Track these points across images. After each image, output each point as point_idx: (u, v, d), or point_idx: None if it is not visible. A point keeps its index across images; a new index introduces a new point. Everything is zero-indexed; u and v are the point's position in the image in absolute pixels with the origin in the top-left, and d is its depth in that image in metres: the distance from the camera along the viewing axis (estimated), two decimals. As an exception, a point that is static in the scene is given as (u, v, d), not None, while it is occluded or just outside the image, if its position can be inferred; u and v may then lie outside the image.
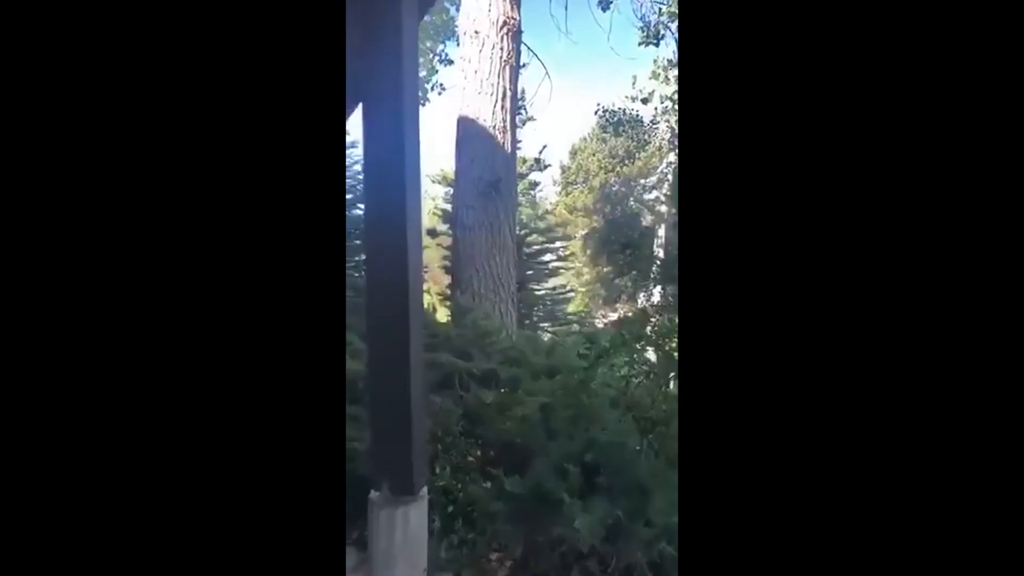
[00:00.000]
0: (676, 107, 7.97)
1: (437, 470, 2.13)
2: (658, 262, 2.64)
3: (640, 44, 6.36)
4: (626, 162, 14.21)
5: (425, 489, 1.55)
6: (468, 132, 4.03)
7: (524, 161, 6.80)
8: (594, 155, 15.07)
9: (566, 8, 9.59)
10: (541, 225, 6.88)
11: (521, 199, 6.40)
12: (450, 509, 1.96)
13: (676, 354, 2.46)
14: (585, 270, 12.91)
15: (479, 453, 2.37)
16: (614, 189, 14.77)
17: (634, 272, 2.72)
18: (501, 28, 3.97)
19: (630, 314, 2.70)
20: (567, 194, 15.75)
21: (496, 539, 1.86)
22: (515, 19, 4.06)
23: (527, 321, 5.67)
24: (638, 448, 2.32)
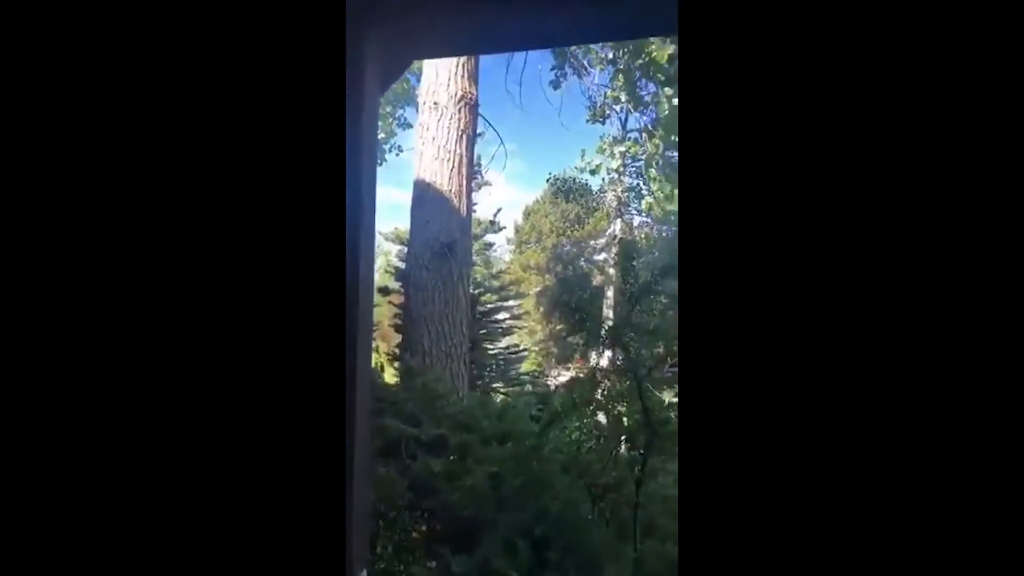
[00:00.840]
0: (621, 178, 8.54)
1: (379, 549, 1.98)
2: (607, 325, 2.73)
3: (588, 121, 6.89)
4: (576, 226, 14.90)
5: (365, 573, 1.43)
6: (424, 194, 4.13)
7: (479, 223, 7.00)
8: (547, 217, 15.72)
9: (520, 85, 10.46)
10: (495, 284, 6.98)
11: (476, 259, 6.52)
12: (391, 595, 1.81)
13: (625, 419, 2.49)
14: (538, 328, 13.01)
15: (424, 528, 2.24)
16: (566, 249, 15.32)
17: (584, 332, 2.80)
18: (459, 101, 4.21)
19: (581, 375, 2.74)
20: (521, 252, 16.16)
21: (440, 627, 1.72)
22: (472, 94, 4.33)
23: (479, 382, 5.58)
24: (589, 517, 2.27)
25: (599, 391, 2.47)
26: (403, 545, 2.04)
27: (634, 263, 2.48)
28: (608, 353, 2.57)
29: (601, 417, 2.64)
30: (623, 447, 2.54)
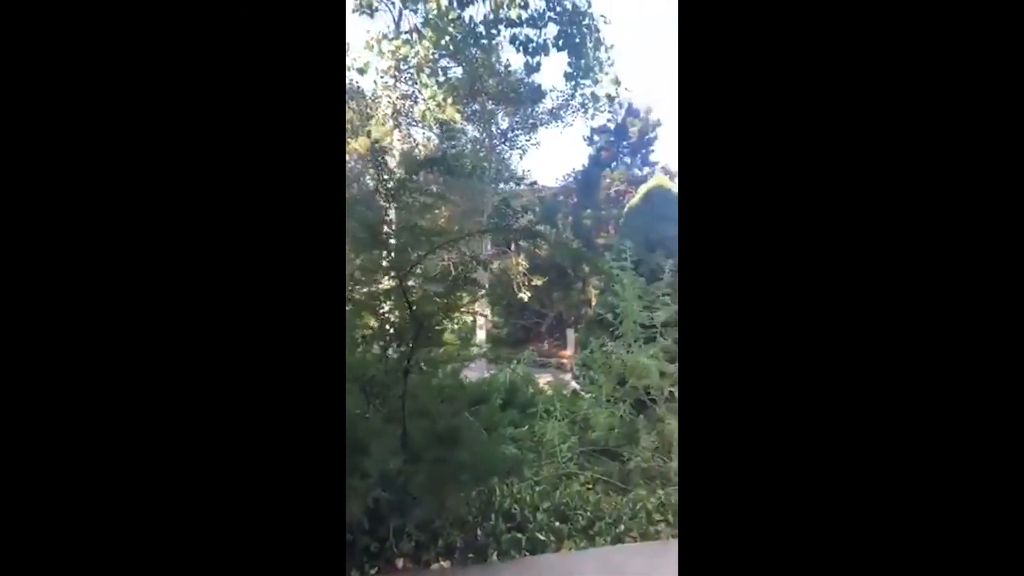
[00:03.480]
0: (397, 84, 8.07)
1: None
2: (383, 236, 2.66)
3: (354, 12, 6.15)
4: (351, 136, 13.72)
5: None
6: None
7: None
8: (322, 127, 14.01)
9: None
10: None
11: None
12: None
13: (393, 316, 2.57)
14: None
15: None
16: (350, 167, 14.16)
17: (373, 251, 2.70)
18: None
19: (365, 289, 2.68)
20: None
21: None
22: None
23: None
24: (366, 415, 2.35)
25: (365, 294, 2.46)
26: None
27: (391, 165, 2.43)
28: (373, 253, 2.55)
29: (371, 319, 2.66)
30: (392, 347, 2.64)
